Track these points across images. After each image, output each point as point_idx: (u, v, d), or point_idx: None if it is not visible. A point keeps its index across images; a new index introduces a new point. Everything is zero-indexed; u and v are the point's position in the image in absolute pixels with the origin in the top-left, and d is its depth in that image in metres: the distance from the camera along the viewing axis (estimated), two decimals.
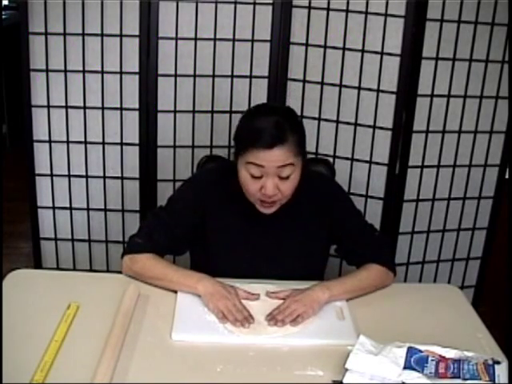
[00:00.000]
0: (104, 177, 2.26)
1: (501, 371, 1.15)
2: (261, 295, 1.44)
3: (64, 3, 2.06)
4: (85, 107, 2.18)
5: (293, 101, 2.21)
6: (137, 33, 2.10)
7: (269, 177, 1.40)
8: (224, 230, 1.55)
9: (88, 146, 2.23)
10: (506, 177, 2.33)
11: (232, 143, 2.24)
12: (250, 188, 1.43)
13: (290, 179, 1.41)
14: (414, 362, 1.18)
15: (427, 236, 2.34)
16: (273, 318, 1.33)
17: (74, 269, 2.36)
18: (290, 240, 1.55)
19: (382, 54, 2.08)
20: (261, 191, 1.41)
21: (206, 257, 1.58)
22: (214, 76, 2.18)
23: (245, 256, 1.54)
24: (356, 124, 2.18)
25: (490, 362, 1.17)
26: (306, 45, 2.15)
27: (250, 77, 2.18)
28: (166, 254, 1.59)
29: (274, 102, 2.19)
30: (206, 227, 1.54)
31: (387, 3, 2.03)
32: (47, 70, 2.13)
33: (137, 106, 2.18)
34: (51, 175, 2.25)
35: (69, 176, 2.26)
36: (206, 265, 1.56)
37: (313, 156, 2.20)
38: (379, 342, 1.23)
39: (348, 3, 2.07)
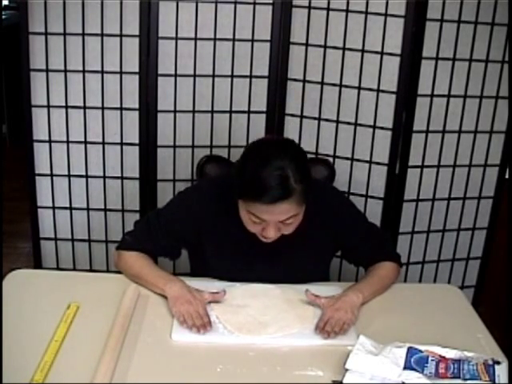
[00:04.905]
0: (104, 177, 2.26)
1: (501, 371, 1.15)
2: (261, 295, 1.44)
3: (64, 3, 2.06)
4: (85, 107, 2.18)
5: (293, 101, 2.21)
6: (137, 33, 2.10)
7: (270, 223, 1.36)
8: (222, 243, 1.52)
9: (88, 145, 2.22)
10: (506, 177, 2.33)
11: (232, 143, 2.26)
12: (251, 229, 1.41)
13: (292, 224, 1.39)
14: (414, 362, 1.18)
15: (427, 236, 2.34)
16: (322, 331, 1.31)
17: (74, 269, 2.36)
18: (291, 253, 1.52)
19: (382, 53, 2.08)
20: (261, 232, 1.39)
21: (204, 266, 1.57)
22: (213, 76, 2.18)
23: (243, 268, 1.52)
24: (356, 124, 2.18)
25: (490, 362, 1.17)
26: (306, 45, 2.15)
27: (250, 77, 2.18)
28: (157, 257, 1.58)
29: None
30: (202, 240, 1.52)
31: (387, 3, 2.03)
32: (47, 70, 2.13)
33: (137, 106, 2.18)
34: (51, 175, 2.25)
35: (69, 176, 2.26)
36: (204, 273, 1.56)
37: (313, 156, 2.20)
38: (379, 342, 1.23)
39: (348, 3, 2.07)
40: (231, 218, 1.44)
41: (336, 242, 1.58)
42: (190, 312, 1.32)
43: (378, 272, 1.52)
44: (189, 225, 1.51)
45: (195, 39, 2.13)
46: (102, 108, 2.18)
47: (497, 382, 1.13)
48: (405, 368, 1.16)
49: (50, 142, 2.21)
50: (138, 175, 2.26)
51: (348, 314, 1.33)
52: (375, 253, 1.57)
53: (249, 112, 2.22)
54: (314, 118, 2.20)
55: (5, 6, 4.56)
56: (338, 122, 2.20)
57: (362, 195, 2.23)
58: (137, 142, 2.22)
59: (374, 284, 1.48)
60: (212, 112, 2.22)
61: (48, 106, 2.17)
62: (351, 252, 1.61)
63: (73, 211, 2.30)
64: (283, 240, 1.44)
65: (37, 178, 2.25)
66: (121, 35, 2.10)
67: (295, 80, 2.19)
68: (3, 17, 4.15)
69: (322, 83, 2.17)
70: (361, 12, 2.06)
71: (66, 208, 2.30)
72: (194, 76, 2.17)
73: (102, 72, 2.14)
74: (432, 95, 2.14)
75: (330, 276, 1.70)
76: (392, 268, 1.55)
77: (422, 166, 2.23)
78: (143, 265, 1.48)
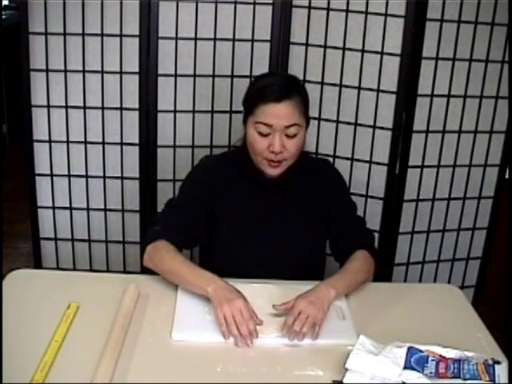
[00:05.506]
0: (104, 177, 2.26)
1: (501, 371, 1.15)
2: (261, 295, 1.43)
3: (64, 3, 2.06)
4: (85, 107, 2.18)
5: None
6: (137, 33, 2.10)
7: (276, 134, 1.46)
8: (233, 207, 1.58)
9: (88, 145, 2.22)
10: (506, 177, 2.33)
11: (232, 143, 2.26)
12: (258, 146, 1.49)
13: (295, 138, 1.49)
14: (415, 362, 1.18)
15: (427, 236, 2.34)
16: (290, 330, 1.28)
17: (74, 269, 2.36)
18: (295, 217, 1.60)
19: (382, 53, 2.08)
20: (268, 149, 1.48)
21: (213, 246, 1.60)
22: (214, 76, 2.18)
23: (251, 233, 1.58)
24: (356, 124, 2.18)
25: (490, 362, 1.17)
26: (306, 45, 2.15)
27: (250, 77, 2.18)
28: (184, 244, 1.56)
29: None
30: (215, 208, 1.58)
31: (387, 3, 2.03)
32: (47, 70, 2.13)
33: (137, 106, 2.18)
34: (51, 175, 2.25)
35: (69, 176, 2.26)
36: (213, 257, 1.60)
37: (313, 156, 2.20)
38: (379, 342, 1.23)
39: (348, 3, 2.07)
40: (240, 184, 1.59)
41: (328, 213, 1.64)
42: (233, 313, 1.27)
43: (351, 265, 1.52)
44: (206, 193, 1.58)
45: (195, 39, 2.13)
46: (102, 108, 2.18)
47: (497, 381, 1.13)
48: (405, 368, 1.16)
49: (49, 142, 2.21)
50: (138, 175, 2.26)
51: (319, 313, 1.30)
52: (351, 238, 1.60)
53: None
54: (314, 118, 2.20)
55: (5, 6, 4.56)
56: (337, 121, 2.20)
57: (362, 195, 2.23)
58: (137, 142, 2.22)
59: (346, 278, 1.47)
60: (212, 112, 2.22)
61: (48, 106, 2.17)
62: (331, 229, 1.64)
63: (73, 211, 2.30)
64: (288, 204, 1.60)
65: (37, 177, 2.25)
66: (121, 35, 2.10)
67: None
68: (3, 17, 4.15)
69: (322, 83, 2.17)
70: (361, 12, 2.06)
71: (65, 208, 2.30)
72: (194, 76, 2.17)
73: (102, 72, 2.14)
74: (432, 95, 2.15)
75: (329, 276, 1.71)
76: (366, 261, 1.55)
77: (422, 166, 2.23)
78: (181, 261, 1.44)
